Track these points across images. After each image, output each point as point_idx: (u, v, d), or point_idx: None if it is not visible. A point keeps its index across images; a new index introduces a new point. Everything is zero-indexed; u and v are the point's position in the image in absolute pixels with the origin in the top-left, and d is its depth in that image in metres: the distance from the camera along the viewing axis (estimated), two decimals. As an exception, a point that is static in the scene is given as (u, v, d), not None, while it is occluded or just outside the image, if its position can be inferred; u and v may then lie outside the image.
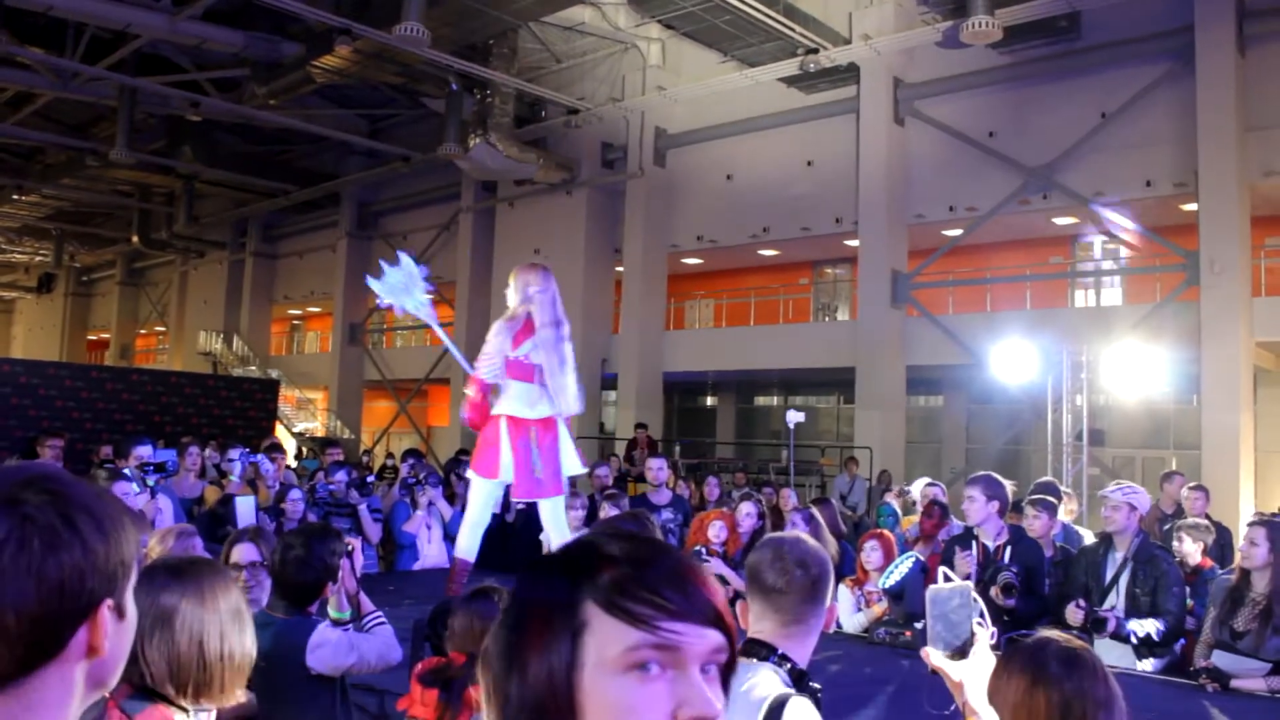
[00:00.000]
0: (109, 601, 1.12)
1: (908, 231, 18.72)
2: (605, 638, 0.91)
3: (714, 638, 0.94)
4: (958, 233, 18.44)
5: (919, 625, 4.22)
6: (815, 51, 17.39)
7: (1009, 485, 6.06)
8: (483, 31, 18.13)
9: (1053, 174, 16.90)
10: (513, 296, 6.33)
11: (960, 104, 17.96)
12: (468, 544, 6.35)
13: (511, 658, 0.95)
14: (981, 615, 2.30)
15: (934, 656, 2.25)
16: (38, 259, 41.42)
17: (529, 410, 6.21)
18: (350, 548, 3.85)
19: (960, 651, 2.23)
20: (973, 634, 2.26)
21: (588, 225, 22.41)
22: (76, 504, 1.11)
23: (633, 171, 21.55)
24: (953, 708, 2.28)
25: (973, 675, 2.20)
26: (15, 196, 31.76)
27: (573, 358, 6.34)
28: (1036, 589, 5.76)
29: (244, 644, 2.34)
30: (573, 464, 6.46)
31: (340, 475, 8.68)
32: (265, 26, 18.88)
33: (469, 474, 6.60)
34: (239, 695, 2.27)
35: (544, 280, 6.29)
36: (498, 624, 0.99)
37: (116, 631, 1.14)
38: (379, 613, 3.86)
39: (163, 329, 39.85)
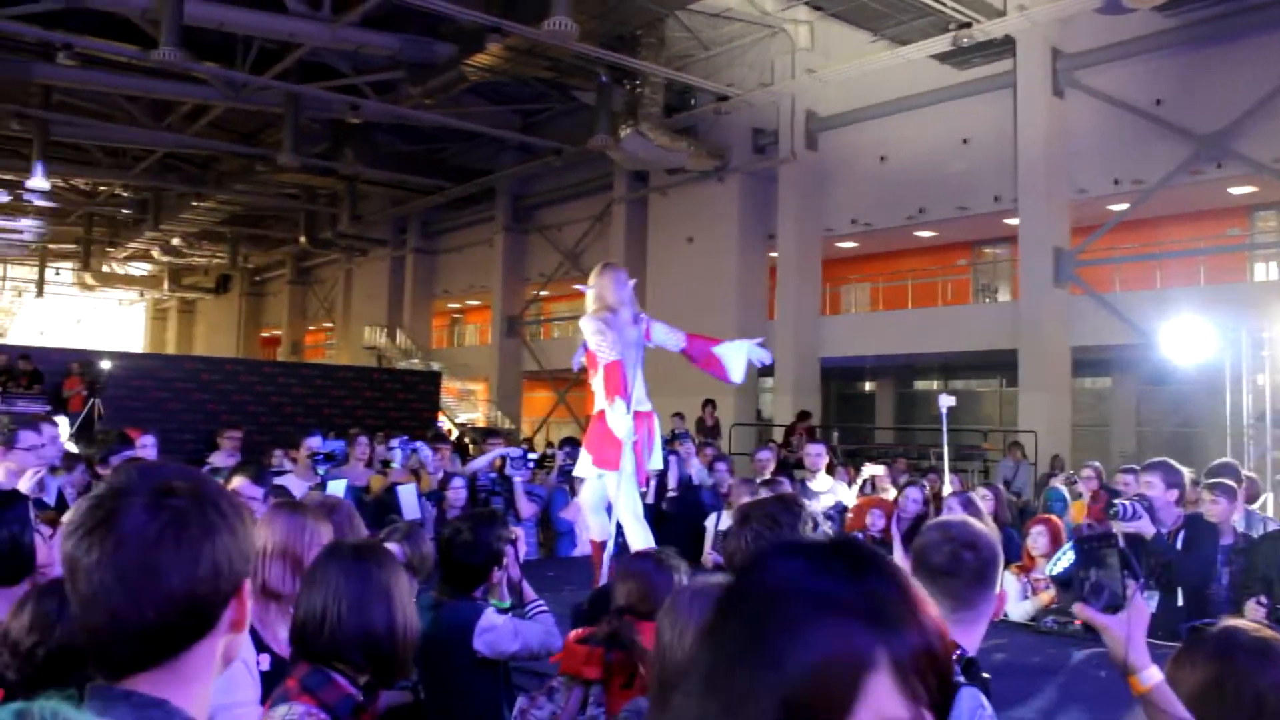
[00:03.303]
0: (249, 581, 1.28)
1: (1070, 207, 18.08)
2: (881, 697, 0.90)
3: None
4: (1124, 207, 17.71)
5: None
6: (968, 26, 16.92)
7: (1187, 472, 5.85)
8: (630, 22, 18.29)
9: (1227, 141, 16.06)
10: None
11: (1123, 72, 17.23)
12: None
13: (791, 653, 0.90)
14: (1132, 567, 2.15)
15: (1088, 612, 2.12)
16: (215, 261, 43.73)
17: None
18: (515, 536, 3.93)
19: (1114, 605, 2.11)
20: (1125, 585, 2.13)
21: (740, 212, 22.35)
22: (215, 496, 1.28)
23: (784, 156, 21.36)
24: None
25: (1132, 628, 2.08)
26: (194, 203, 33.47)
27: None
28: (1207, 576, 5.53)
29: (416, 624, 2.49)
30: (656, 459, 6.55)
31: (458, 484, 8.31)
32: (418, 28, 19.45)
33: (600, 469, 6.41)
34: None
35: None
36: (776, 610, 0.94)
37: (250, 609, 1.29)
38: (540, 601, 3.92)
39: (330, 325, 41.40)
